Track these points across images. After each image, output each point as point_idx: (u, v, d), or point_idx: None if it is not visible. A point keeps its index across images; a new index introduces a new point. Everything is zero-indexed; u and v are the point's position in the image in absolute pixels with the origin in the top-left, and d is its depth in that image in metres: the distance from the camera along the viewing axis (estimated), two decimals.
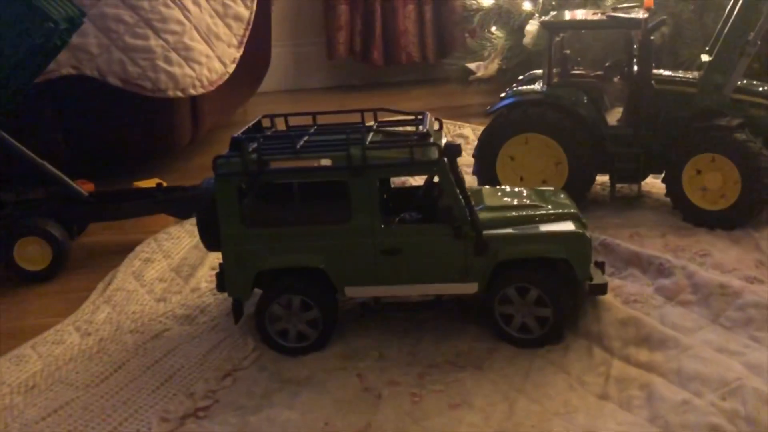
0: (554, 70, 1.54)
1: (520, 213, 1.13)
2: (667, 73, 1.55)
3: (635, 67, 1.49)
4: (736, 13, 1.40)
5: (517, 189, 1.24)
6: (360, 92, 3.44)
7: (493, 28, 2.62)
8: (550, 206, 1.15)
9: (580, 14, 1.57)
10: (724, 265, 1.26)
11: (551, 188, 1.29)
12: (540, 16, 2.52)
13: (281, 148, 1.13)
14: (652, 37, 1.45)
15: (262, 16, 2.89)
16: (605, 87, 1.56)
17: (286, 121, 1.29)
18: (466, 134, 2.22)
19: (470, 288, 1.11)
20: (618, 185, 1.56)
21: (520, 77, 1.71)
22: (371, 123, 1.24)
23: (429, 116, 1.19)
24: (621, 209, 1.54)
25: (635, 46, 1.48)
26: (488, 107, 1.57)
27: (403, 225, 1.13)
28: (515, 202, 1.17)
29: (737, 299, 1.13)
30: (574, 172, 1.51)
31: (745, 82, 1.49)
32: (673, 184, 1.48)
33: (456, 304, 1.18)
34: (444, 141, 1.11)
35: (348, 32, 3.42)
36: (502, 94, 1.56)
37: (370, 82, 3.57)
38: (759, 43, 1.41)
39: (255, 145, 1.12)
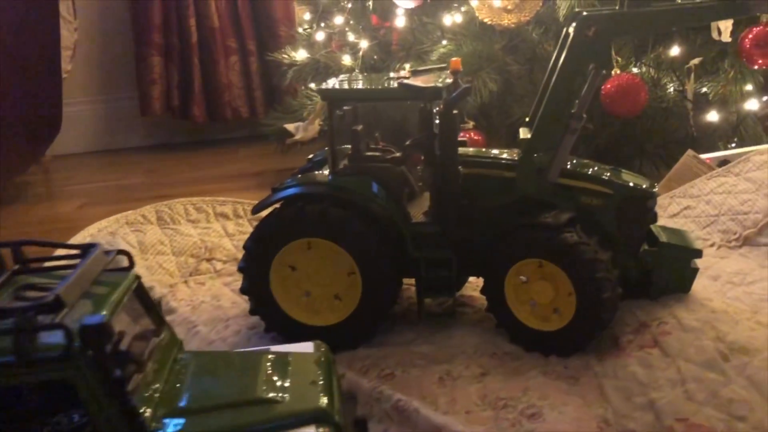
0: (359, 149, 1.14)
1: (226, 421, 0.67)
2: (480, 152, 1.19)
3: (438, 148, 1.11)
4: (555, 81, 1.07)
5: (247, 354, 0.80)
6: (180, 152, 2.93)
7: (312, 85, 2.23)
8: (287, 394, 0.71)
9: (375, 79, 1.19)
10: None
11: (304, 350, 0.82)
12: (358, 72, 2.16)
13: None
14: (455, 111, 1.09)
15: (48, 69, 2.35)
16: (410, 171, 1.18)
17: None
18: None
19: None
20: (427, 300, 1.17)
21: (310, 155, 1.30)
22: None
23: (99, 250, 0.73)
24: (433, 331, 1.13)
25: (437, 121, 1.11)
26: (256, 204, 1.14)
27: None
28: (229, 391, 0.71)
29: None
30: (369, 285, 1.10)
31: (575, 161, 1.16)
32: (494, 296, 1.11)
33: None
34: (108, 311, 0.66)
35: (163, 86, 2.92)
36: (277, 185, 1.14)
37: (193, 140, 3.08)
38: (585, 116, 1.08)
39: None
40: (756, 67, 1.79)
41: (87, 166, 2.78)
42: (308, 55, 2.16)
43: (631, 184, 1.12)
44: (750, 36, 1.73)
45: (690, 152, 1.66)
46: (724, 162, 1.74)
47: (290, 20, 2.90)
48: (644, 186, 1.12)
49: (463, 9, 2.02)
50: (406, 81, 1.07)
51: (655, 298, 1.13)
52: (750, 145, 1.91)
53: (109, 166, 2.79)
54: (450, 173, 1.08)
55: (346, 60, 2.18)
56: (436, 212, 1.11)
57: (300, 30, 2.37)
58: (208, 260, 1.45)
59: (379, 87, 1.13)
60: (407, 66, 2.14)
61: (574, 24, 1.04)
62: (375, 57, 2.18)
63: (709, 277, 1.27)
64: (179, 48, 2.89)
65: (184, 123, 2.98)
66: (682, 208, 1.53)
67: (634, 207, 1.11)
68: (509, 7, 1.89)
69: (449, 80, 1.18)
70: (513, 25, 1.92)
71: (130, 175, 2.62)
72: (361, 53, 2.15)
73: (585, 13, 1.02)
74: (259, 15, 2.99)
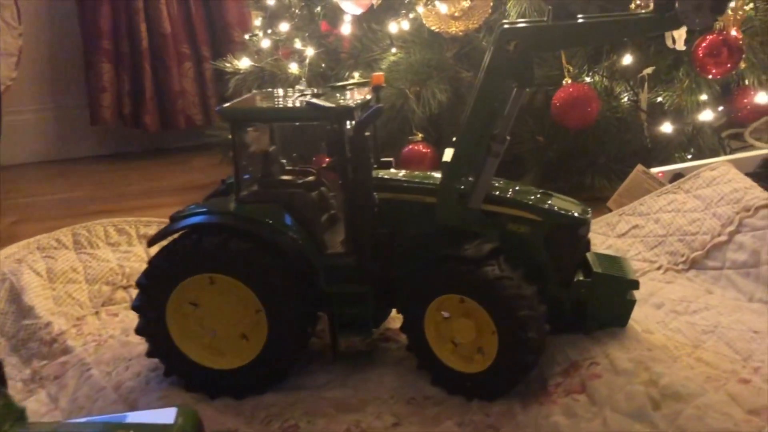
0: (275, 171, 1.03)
1: None
2: (404, 175, 1.08)
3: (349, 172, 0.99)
4: (474, 100, 0.96)
5: None
6: (132, 162, 2.80)
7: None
8: None
9: (285, 96, 1.08)
10: None
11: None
12: (307, 82, 2.05)
13: None
14: (367, 133, 0.98)
15: None
16: (324, 196, 1.08)
17: None
18: None
19: None
20: (343, 338, 1.05)
21: (225, 178, 1.19)
22: None
23: None
24: (349, 373, 1.02)
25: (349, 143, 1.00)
26: (152, 236, 1.03)
27: None
28: None
29: None
30: (277, 325, 0.99)
31: (503, 184, 1.06)
32: (414, 334, 1.01)
33: None
34: None
35: (114, 94, 2.79)
36: (177, 212, 1.03)
37: (146, 148, 2.95)
38: (509, 138, 0.98)
39: None
40: (710, 76, 1.70)
41: (30, 178, 2.64)
42: (252, 64, 2.05)
43: (561, 211, 1.01)
44: (703, 45, 1.64)
45: (640, 167, 1.57)
46: (678, 175, 1.65)
47: (245, 25, 2.78)
48: (576, 213, 1.02)
49: (411, 15, 1.92)
50: (314, 100, 0.97)
51: (590, 333, 1.03)
52: (707, 156, 1.83)
53: (55, 177, 2.66)
54: (363, 200, 0.98)
55: (293, 68, 2.08)
56: (350, 243, 1.01)
57: (246, 37, 2.25)
58: (125, 288, 1.34)
59: (285, 106, 1.02)
60: (356, 74, 2.05)
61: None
62: (323, 65, 2.08)
63: (653, 305, 1.18)
64: (130, 54, 2.77)
65: (137, 131, 2.86)
66: (630, 226, 1.44)
67: (565, 235, 1.01)
68: (456, 14, 1.79)
69: (368, 96, 1.08)
70: (461, 33, 1.82)
71: (75, 188, 2.49)
72: (307, 61, 2.04)
73: (505, 26, 0.92)
74: (214, 20, 2.87)
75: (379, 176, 1.05)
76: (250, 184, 1.04)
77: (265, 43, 2.10)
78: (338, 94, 1.06)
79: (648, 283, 1.25)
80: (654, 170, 1.67)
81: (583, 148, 1.78)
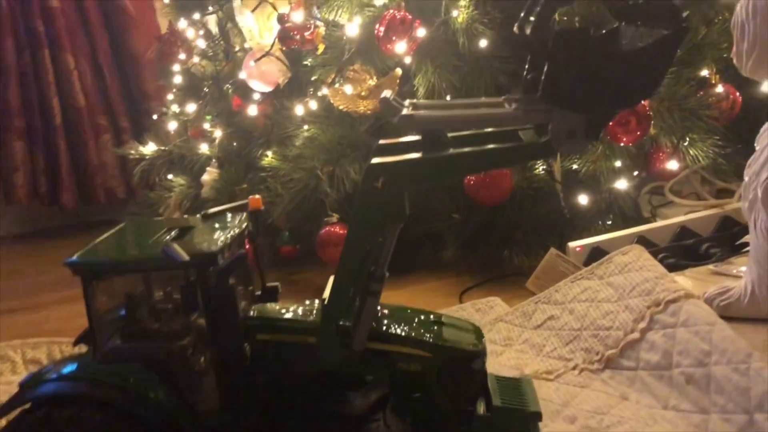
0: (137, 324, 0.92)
1: None
2: (283, 310, 0.99)
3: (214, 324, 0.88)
4: (347, 236, 0.87)
5: None
6: (50, 241, 2.64)
7: (170, 176, 2.00)
8: None
9: (143, 239, 0.97)
10: None
11: None
12: (215, 162, 1.94)
13: None
14: (232, 281, 0.89)
15: None
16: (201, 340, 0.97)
17: None
18: None
19: None
20: None
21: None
22: None
23: None
24: None
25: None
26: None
27: None
28: None
29: None
30: None
31: (389, 310, 0.97)
32: None
33: None
34: None
35: (28, 172, 2.64)
36: (25, 378, 0.91)
37: (68, 224, 2.80)
38: (387, 274, 0.89)
39: None
40: (621, 144, 1.66)
41: None
42: (159, 147, 1.94)
43: (453, 344, 0.92)
44: None
45: (553, 251, 1.50)
46: (596, 249, 1.60)
47: (164, 95, 2.67)
48: (470, 345, 0.93)
49: (319, 94, 1.84)
50: (170, 247, 0.86)
51: None
52: (628, 221, 1.78)
53: None
54: (231, 353, 0.87)
55: (203, 148, 1.97)
56: (223, 399, 0.90)
57: (154, 117, 2.14)
58: None
59: (138, 256, 0.91)
60: (269, 153, 1.94)
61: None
62: (234, 144, 1.98)
63: (567, 419, 1.09)
64: (43, 131, 2.63)
65: (56, 208, 2.71)
66: (546, 317, 1.36)
67: (458, 370, 0.92)
68: (363, 93, 1.71)
69: (244, 225, 0.98)
70: (370, 112, 1.74)
71: None
72: (217, 141, 1.94)
73: (373, 161, 0.84)
74: (130, 90, 2.75)
75: (256, 314, 0.95)
76: (113, 335, 0.93)
77: (172, 126, 1.99)
78: (210, 227, 0.96)
79: (563, 389, 1.16)
80: (572, 244, 1.61)
81: (499, 224, 1.72)
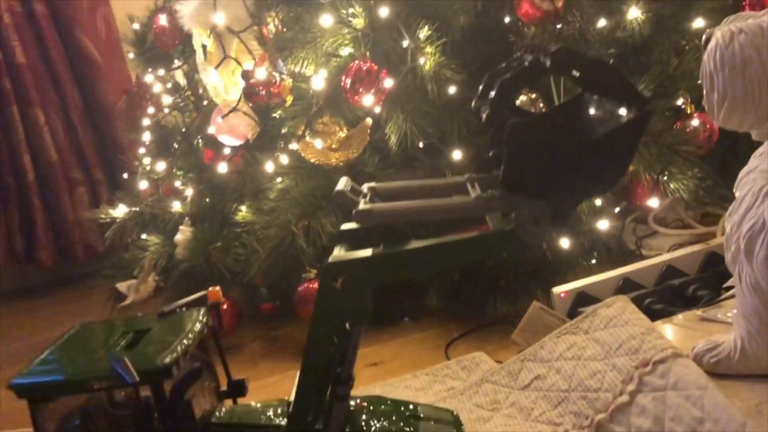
0: None
1: None
2: (245, 412, 0.92)
3: None
4: (308, 337, 0.82)
5: None
6: (27, 301, 2.56)
7: (144, 236, 1.95)
8: None
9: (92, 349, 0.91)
10: None
11: None
12: (188, 221, 1.89)
13: None
14: (190, 394, 0.83)
15: None
16: None
17: None
18: None
19: None
20: None
21: None
22: None
23: None
24: None
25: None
26: None
27: None
28: None
29: None
30: None
31: (363, 405, 0.91)
32: None
33: None
34: None
35: (2, 232, 2.58)
36: None
37: (45, 280, 2.72)
38: (354, 377, 0.84)
39: None
40: None
41: None
42: (130, 209, 1.88)
43: None
44: None
45: (536, 304, 1.45)
46: (581, 294, 1.55)
47: (135, 149, 2.62)
48: None
49: (290, 147, 1.79)
50: (122, 361, 0.80)
51: None
52: (614, 259, 1.74)
53: None
54: None
55: (176, 206, 1.91)
56: None
57: (125, 176, 2.09)
58: None
59: (88, 373, 0.85)
60: (243, 207, 1.89)
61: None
62: (207, 199, 1.92)
63: None
64: (16, 189, 2.56)
65: (33, 265, 2.64)
66: (533, 377, 1.30)
67: None
68: (334, 146, 1.66)
69: (203, 319, 0.93)
70: (342, 164, 1.69)
71: None
72: (189, 199, 1.88)
73: (331, 259, 0.79)
74: (104, 142, 2.70)
75: (223, 418, 0.89)
76: None
77: (143, 185, 1.93)
78: (168, 328, 0.90)
79: None
80: (556, 290, 1.55)
81: (482, 269, 1.66)
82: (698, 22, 1.74)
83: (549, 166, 0.69)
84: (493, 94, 0.73)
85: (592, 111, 0.74)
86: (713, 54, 1.03)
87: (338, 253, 0.80)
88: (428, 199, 0.77)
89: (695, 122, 1.65)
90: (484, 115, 0.76)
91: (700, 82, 1.07)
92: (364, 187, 0.83)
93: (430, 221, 0.82)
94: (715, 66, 1.03)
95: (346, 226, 0.85)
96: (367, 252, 0.77)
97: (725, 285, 1.42)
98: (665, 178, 1.65)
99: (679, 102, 1.76)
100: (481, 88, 0.79)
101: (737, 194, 1.14)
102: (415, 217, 0.77)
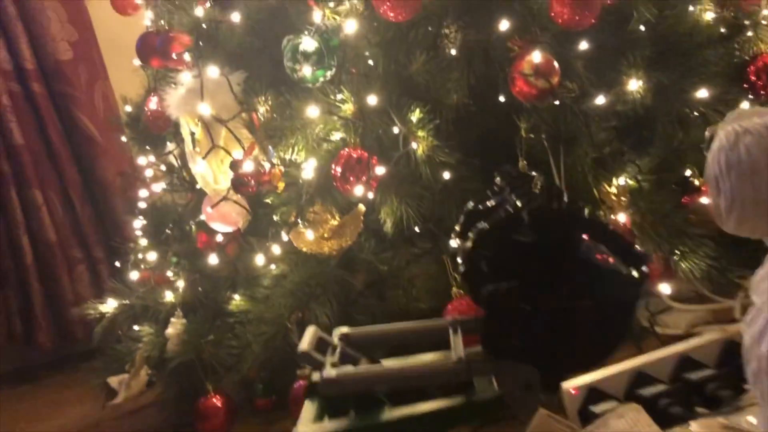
0: None
1: None
2: None
3: None
4: None
5: None
6: (25, 384, 2.48)
7: (136, 327, 1.87)
8: None
9: None
10: None
11: None
12: (179, 312, 1.81)
13: None
14: None
15: None
16: None
17: None
18: None
19: None
20: None
21: None
22: None
23: None
24: None
25: None
26: None
27: None
28: None
29: None
30: None
31: None
32: None
33: None
34: None
35: (3, 316, 2.53)
36: None
37: (44, 361, 2.64)
38: None
39: None
40: None
41: None
42: (121, 302, 1.81)
43: None
44: None
45: (542, 411, 1.34)
46: (593, 390, 1.44)
47: (131, 232, 2.57)
48: None
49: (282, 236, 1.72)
50: None
51: None
52: (628, 343, 1.63)
53: None
54: None
55: (168, 296, 1.84)
56: None
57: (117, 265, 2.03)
58: None
59: None
60: (236, 296, 1.81)
61: None
62: (200, 288, 1.85)
63: None
64: (14, 271, 2.52)
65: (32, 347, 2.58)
66: None
67: None
68: (326, 235, 1.59)
69: None
70: (335, 252, 1.62)
71: None
72: (181, 290, 1.81)
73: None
74: (103, 219, 2.65)
75: None
76: None
77: (134, 275, 1.87)
78: None
79: None
80: (566, 385, 1.44)
81: None
82: (702, 92, 1.66)
83: (531, 333, 0.61)
84: (468, 245, 0.65)
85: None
86: (717, 157, 0.95)
87: (306, 414, 0.72)
88: (404, 360, 0.69)
89: (705, 200, 1.56)
90: (460, 263, 0.68)
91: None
92: (335, 335, 0.75)
93: (404, 388, 0.75)
94: (720, 170, 0.94)
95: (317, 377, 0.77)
96: (336, 426, 0.69)
97: (747, 386, 1.31)
98: (676, 258, 1.55)
99: (687, 173, 1.68)
100: (459, 223, 0.71)
101: (755, 299, 1.04)
102: (389, 384, 0.69)
